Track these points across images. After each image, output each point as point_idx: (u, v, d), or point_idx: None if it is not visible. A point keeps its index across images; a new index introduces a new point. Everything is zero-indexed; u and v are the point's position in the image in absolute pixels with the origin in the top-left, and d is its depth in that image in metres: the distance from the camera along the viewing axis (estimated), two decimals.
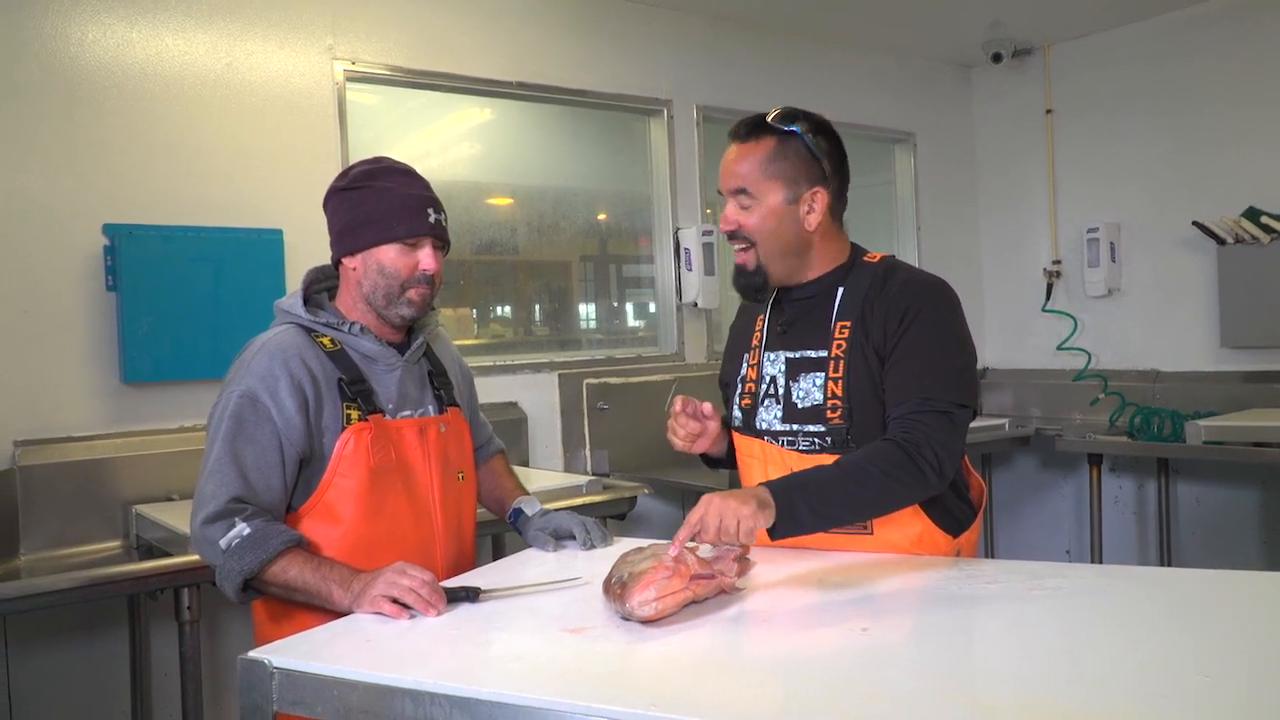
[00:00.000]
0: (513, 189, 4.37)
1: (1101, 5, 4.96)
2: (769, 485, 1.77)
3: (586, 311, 4.67)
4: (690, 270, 4.54)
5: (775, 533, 1.76)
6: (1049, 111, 5.53)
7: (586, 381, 4.26)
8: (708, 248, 4.52)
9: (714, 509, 1.69)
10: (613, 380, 4.33)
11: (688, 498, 4.52)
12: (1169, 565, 4.98)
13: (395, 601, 1.68)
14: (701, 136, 4.71)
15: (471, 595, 1.76)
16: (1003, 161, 5.81)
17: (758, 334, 2.15)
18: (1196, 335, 5.00)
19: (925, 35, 5.32)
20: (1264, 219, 4.66)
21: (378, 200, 2.00)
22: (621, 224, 4.69)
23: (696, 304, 4.57)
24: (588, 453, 4.25)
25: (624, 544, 2.13)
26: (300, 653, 1.51)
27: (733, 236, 2.02)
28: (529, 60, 4.20)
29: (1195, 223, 4.86)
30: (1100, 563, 4.86)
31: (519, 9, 4.19)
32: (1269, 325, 4.70)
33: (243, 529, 1.82)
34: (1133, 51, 5.21)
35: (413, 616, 1.67)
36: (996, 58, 5.30)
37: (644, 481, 3.66)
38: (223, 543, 1.82)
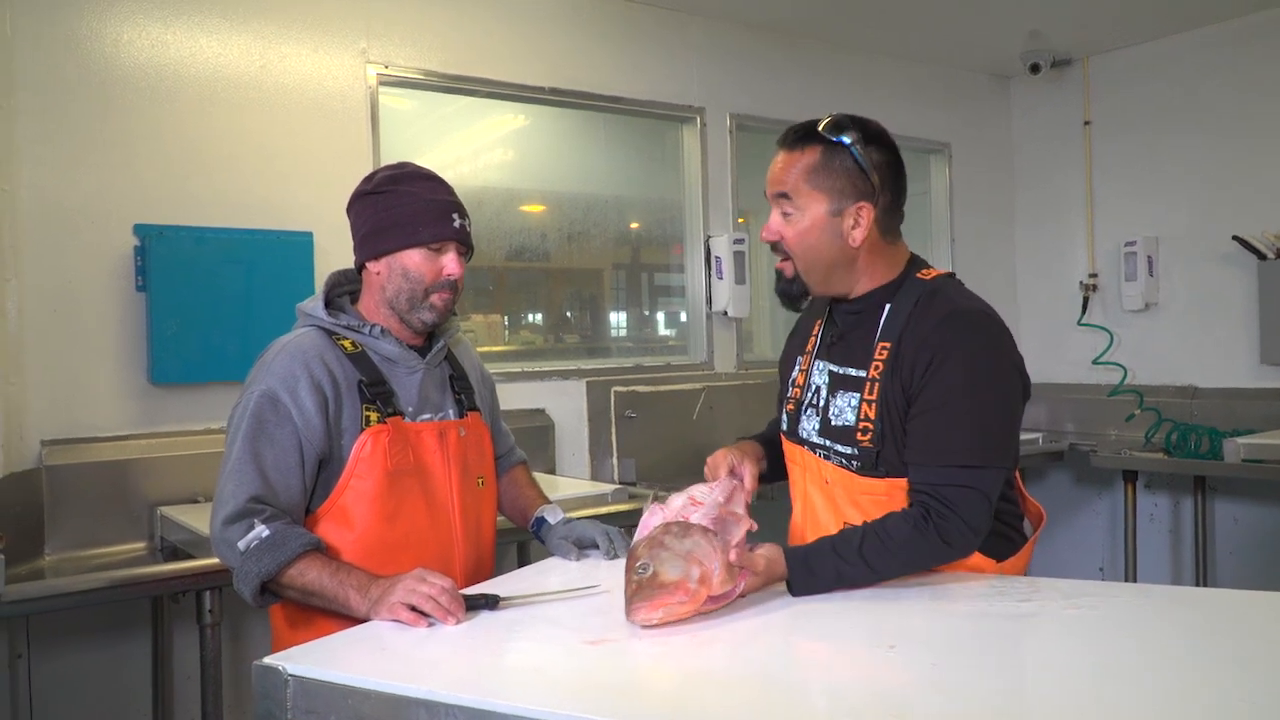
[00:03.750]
0: (545, 195, 4.35)
1: (1141, 17, 4.89)
2: (789, 560, 1.77)
3: (617, 319, 4.64)
4: (721, 279, 4.50)
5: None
6: (1087, 123, 5.45)
7: (614, 389, 4.23)
8: (739, 256, 4.49)
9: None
10: (641, 388, 4.30)
11: None
12: (1205, 585, 4.89)
13: (414, 609, 1.66)
14: (734, 144, 4.67)
15: (491, 603, 1.73)
16: (1039, 173, 5.73)
17: (813, 339, 2.11)
18: (1235, 351, 4.90)
19: (963, 45, 5.26)
20: None
21: (402, 205, 1.99)
22: (653, 232, 4.66)
23: (727, 313, 4.53)
24: (614, 461, 4.22)
25: None
26: (315, 660, 1.48)
27: (774, 247, 1.99)
28: (563, 66, 4.19)
29: (1235, 237, 4.78)
30: (1135, 581, 4.77)
31: (553, 15, 4.18)
32: None
33: (261, 531, 1.81)
34: (1172, 64, 5.13)
35: (431, 624, 1.65)
36: (1035, 68, 5.23)
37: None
38: (241, 544, 1.81)
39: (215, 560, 2.56)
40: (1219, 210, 4.92)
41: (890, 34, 5.02)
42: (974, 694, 1.30)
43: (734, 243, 4.48)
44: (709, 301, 4.58)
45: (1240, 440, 4.13)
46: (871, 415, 1.90)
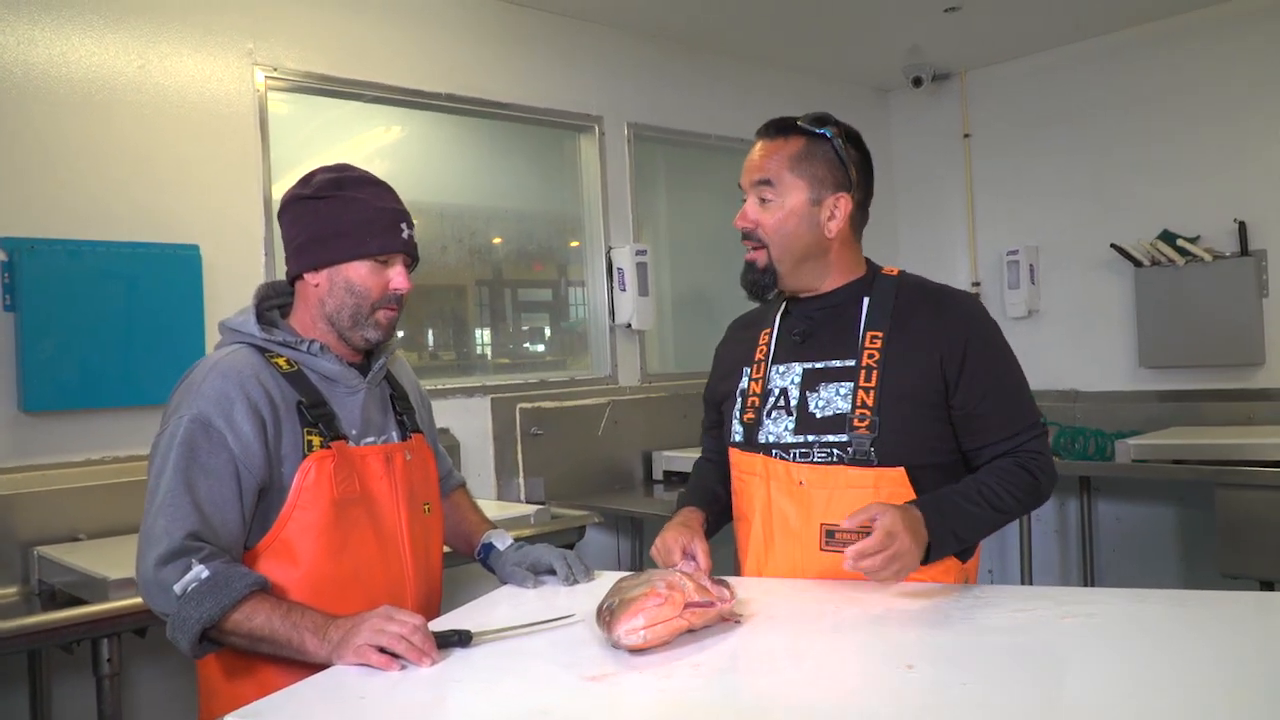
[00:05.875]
0: (436, 207, 4.18)
1: (1016, 33, 5.04)
2: (926, 516, 1.77)
3: (515, 334, 4.49)
4: (624, 291, 4.41)
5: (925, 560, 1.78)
6: (967, 136, 5.59)
7: (520, 406, 4.09)
8: (641, 268, 4.41)
9: (904, 550, 1.70)
10: (546, 404, 4.17)
11: (622, 525, 4.38)
12: (1092, 584, 5.04)
13: (382, 651, 1.50)
14: (633, 154, 4.60)
15: (464, 640, 1.59)
16: (921, 184, 5.85)
17: (763, 347, 2.06)
18: (1115, 356, 5.08)
19: (847, 59, 5.34)
20: (1179, 242, 4.76)
21: (348, 212, 1.82)
22: (554, 244, 4.53)
23: (630, 325, 4.44)
24: (521, 480, 4.07)
25: (607, 577, 1.98)
26: (289, 714, 1.32)
27: (747, 235, 1.96)
28: (459, 72, 4.04)
29: (1113, 245, 4.96)
30: (1030, 582, 4.89)
31: (449, 20, 4.03)
32: (1185, 345, 4.80)
33: (200, 571, 1.61)
34: (1047, 78, 5.30)
35: (404, 667, 1.50)
36: (917, 82, 5.33)
37: (589, 509, 3.51)
38: (177, 588, 1.61)
39: (115, 605, 2.37)
40: (1097, 219, 5.10)
41: (781, 46, 5.04)
42: (1020, 713, 1.24)
43: (636, 254, 4.40)
44: (612, 314, 4.48)
45: (1130, 441, 4.26)
46: (869, 402, 1.88)
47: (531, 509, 3.24)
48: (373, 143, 4.08)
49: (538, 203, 4.50)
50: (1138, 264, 4.90)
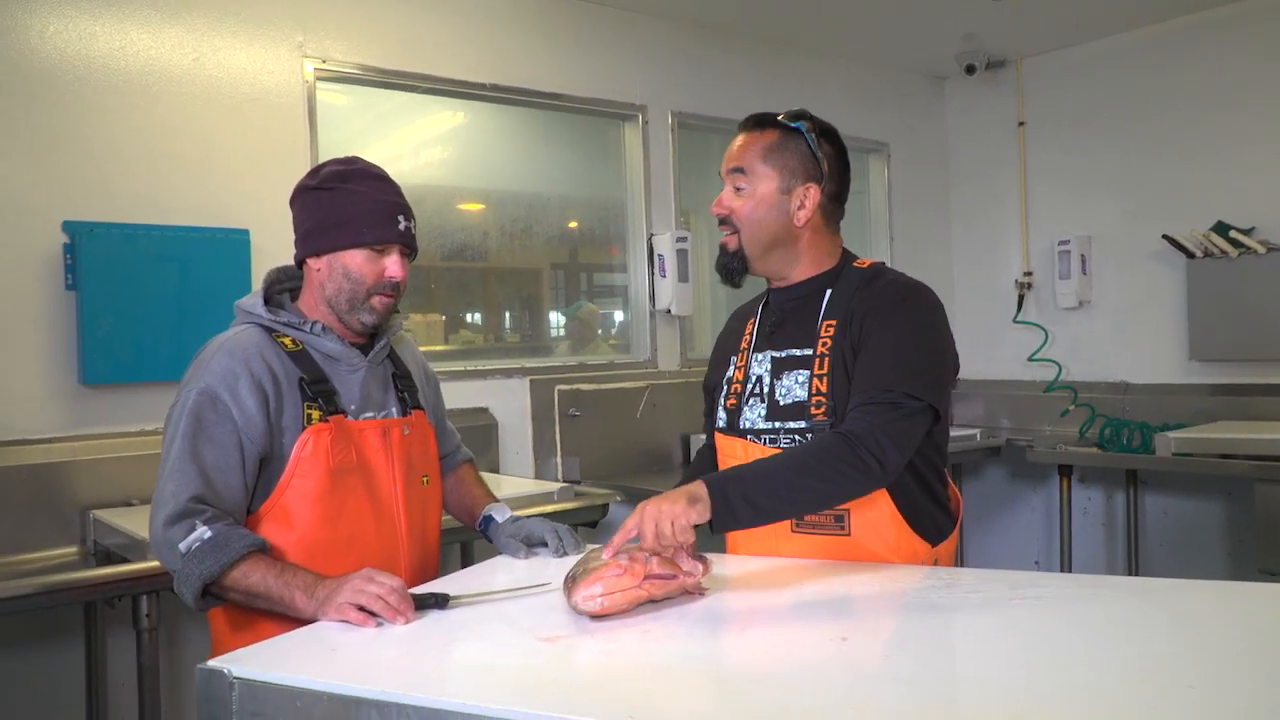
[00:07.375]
0: (484, 194, 4.31)
1: (1072, 20, 4.99)
2: (704, 479, 1.76)
3: (558, 318, 4.61)
4: (664, 277, 4.50)
5: (715, 526, 1.75)
6: (1021, 124, 5.55)
7: (558, 388, 4.21)
8: (682, 254, 4.49)
9: (647, 515, 1.71)
10: (584, 386, 4.29)
11: None
12: (1137, 575, 4.99)
13: (362, 609, 1.63)
14: (676, 142, 4.68)
15: (441, 602, 1.71)
16: (975, 173, 5.82)
17: (747, 337, 2.16)
18: (1165, 348, 5.02)
19: (900, 46, 5.33)
20: (1233, 233, 4.68)
21: (348, 203, 1.95)
22: (595, 230, 4.64)
23: (670, 311, 4.53)
24: (559, 459, 4.20)
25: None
26: (262, 662, 1.45)
27: (722, 222, 2.06)
28: (504, 63, 4.16)
29: (1165, 236, 4.89)
30: (1070, 573, 4.86)
31: (494, 11, 4.15)
32: (1237, 338, 4.72)
33: (203, 532, 1.76)
34: (1103, 66, 5.24)
35: (380, 625, 1.62)
36: (970, 69, 5.32)
37: (615, 489, 3.61)
38: (182, 546, 1.76)
39: (152, 564, 2.55)
40: (1149, 210, 5.03)
41: (830, 35, 5.06)
42: (929, 685, 1.31)
43: (677, 240, 4.49)
44: (652, 299, 4.58)
45: (1171, 435, 4.22)
46: (824, 389, 1.95)
47: (556, 486, 3.35)
48: (423, 132, 4.22)
49: (584, 189, 4.61)
50: (1190, 255, 4.82)
